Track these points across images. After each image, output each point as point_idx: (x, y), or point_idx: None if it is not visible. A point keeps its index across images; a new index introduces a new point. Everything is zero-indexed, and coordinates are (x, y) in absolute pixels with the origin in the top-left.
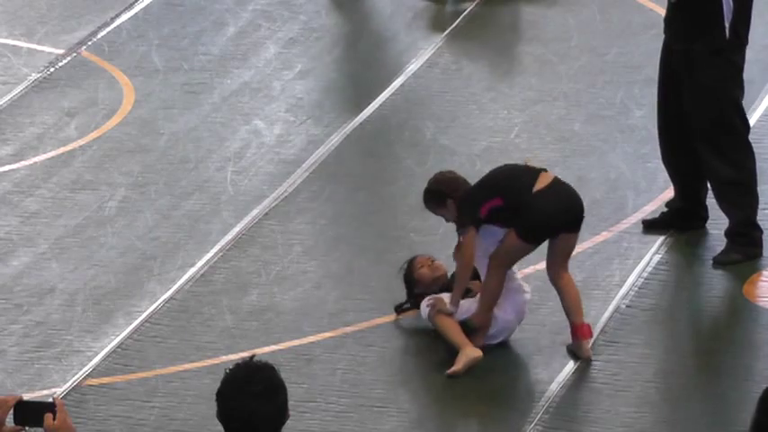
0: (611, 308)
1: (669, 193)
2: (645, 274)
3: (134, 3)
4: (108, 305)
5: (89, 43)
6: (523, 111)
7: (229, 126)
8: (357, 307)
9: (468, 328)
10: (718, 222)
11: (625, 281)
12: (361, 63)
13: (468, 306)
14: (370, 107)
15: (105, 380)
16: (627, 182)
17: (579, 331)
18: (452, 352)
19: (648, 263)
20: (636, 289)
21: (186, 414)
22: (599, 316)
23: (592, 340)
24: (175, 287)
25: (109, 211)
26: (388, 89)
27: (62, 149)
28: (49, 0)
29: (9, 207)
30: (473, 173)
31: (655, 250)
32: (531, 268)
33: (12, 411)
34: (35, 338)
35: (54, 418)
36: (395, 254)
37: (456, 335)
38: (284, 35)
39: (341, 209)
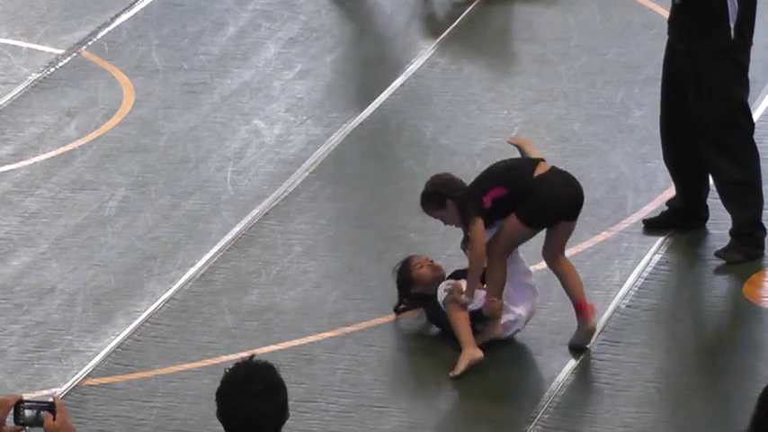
0: (611, 308)
1: (669, 192)
2: (645, 274)
3: (134, 3)
4: (108, 305)
5: (89, 43)
6: (523, 111)
7: (229, 126)
8: (357, 307)
9: (483, 318)
10: (718, 222)
11: (625, 281)
12: (361, 63)
13: (482, 297)
14: (370, 107)
15: (105, 380)
16: (627, 182)
17: (585, 309)
18: (451, 352)
19: (648, 263)
20: (636, 289)
21: (186, 414)
22: (599, 316)
23: (596, 319)
24: (175, 287)
25: (109, 211)
26: (388, 89)
27: (62, 149)
28: (49, 0)
29: (9, 207)
30: (473, 173)
31: (655, 250)
32: (531, 268)
33: (12, 411)
34: (35, 338)
35: (54, 419)
36: (395, 254)
37: (463, 330)
38: (284, 35)
39: (341, 209)
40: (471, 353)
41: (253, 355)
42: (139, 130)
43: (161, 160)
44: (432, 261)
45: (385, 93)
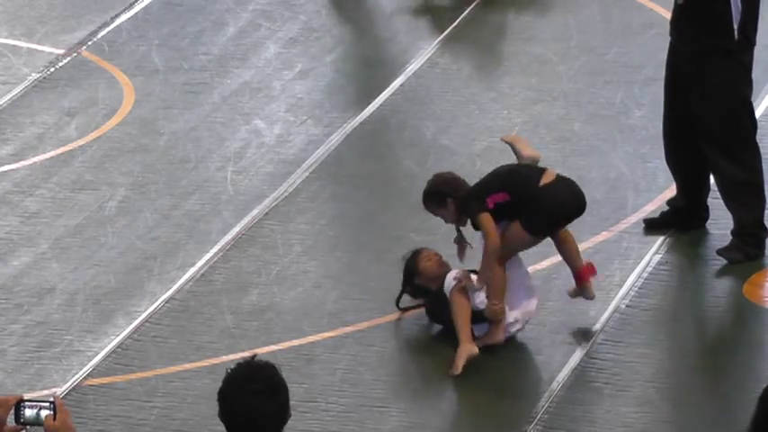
0: (611, 308)
1: (669, 192)
2: (645, 274)
3: (134, 3)
4: (108, 305)
5: (89, 43)
6: (523, 111)
7: (229, 126)
8: (357, 307)
9: (482, 320)
10: (718, 222)
11: (625, 281)
12: (361, 63)
13: (484, 298)
14: (370, 107)
15: (105, 380)
16: (627, 182)
17: (584, 273)
18: (452, 351)
19: (649, 263)
20: (636, 289)
21: (186, 414)
22: (599, 316)
23: (594, 279)
24: (175, 287)
25: (109, 211)
26: (388, 89)
27: (62, 149)
28: (49, 0)
29: (9, 207)
30: (473, 173)
31: (655, 250)
32: (531, 268)
33: (12, 411)
34: (35, 338)
35: (54, 418)
36: (395, 254)
37: (463, 323)
38: (284, 35)
39: (341, 209)
40: (468, 348)
41: (255, 355)
42: (139, 130)
43: (161, 160)
44: (440, 257)
45: (385, 93)
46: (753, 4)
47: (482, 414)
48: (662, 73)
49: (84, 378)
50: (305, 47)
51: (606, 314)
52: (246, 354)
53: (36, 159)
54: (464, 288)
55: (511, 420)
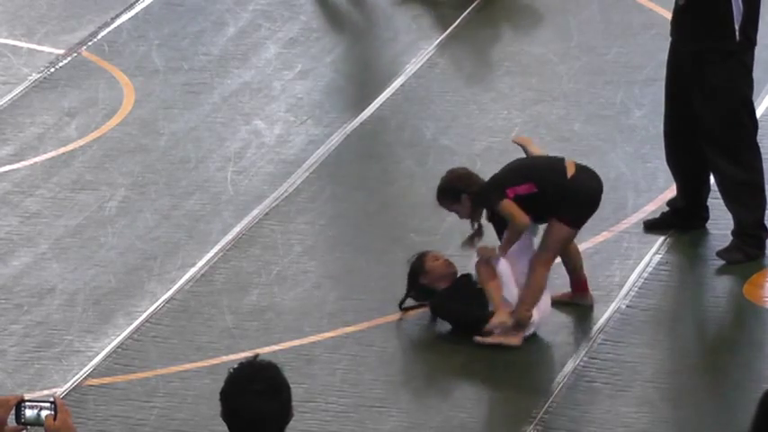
0: (611, 308)
1: (669, 192)
2: (645, 275)
3: (134, 3)
4: (108, 305)
5: (89, 43)
6: (523, 111)
7: (229, 126)
8: (357, 307)
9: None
10: (718, 222)
11: (625, 281)
12: (361, 63)
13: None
14: (370, 107)
15: (105, 380)
16: (627, 182)
17: (585, 283)
18: (452, 351)
19: (649, 263)
20: (636, 289)
21: (186, 414)
22: (599, 316)
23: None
24: (175, 287)
25: (109, 211)
26: (388, 89)
27: (62, 149)
28: (49, 0)
29: (9, 207)
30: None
31: (655, 250)
32: None
33: (13, 411)
34: (35, 338)
35: (55, 418)
36: (395, 254)
37: (495, 293)
38: (284, 35)
39: (341, 209)
40: (502, 319)
41: (257, 355)
42: (139, 130)
43: (161, 160)
44: (447, 259)
45: (385, 93)
46: (754, 4)
47: (482, 414)
48: (662, 73)
49: (85, 378)
50: (305, 47)
51: (606, 314)
52: (247, 354)
53: (36, 159)
54: (488, 261)
55: (511, 420)
